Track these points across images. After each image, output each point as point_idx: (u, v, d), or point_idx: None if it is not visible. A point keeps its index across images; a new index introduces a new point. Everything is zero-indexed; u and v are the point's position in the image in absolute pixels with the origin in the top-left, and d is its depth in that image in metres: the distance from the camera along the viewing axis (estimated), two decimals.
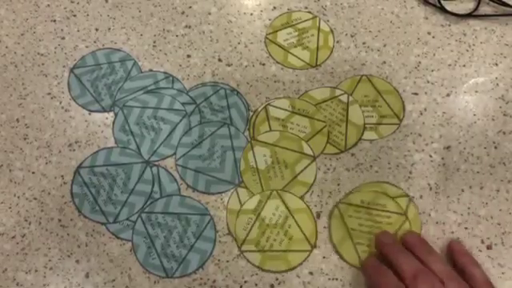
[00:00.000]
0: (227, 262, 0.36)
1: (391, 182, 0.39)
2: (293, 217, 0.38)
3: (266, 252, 0.36)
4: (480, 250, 0.37)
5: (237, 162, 0.40)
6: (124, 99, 0.43)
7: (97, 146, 0.41)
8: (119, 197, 0.39)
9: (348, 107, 0.42)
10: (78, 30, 0.46)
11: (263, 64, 0.45)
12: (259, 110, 0.42)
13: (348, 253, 0.36)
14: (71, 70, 0.44)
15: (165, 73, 0.44)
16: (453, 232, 0.37)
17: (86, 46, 0.46)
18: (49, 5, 0.48)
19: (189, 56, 0.45)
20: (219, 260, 0.36)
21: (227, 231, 0.37)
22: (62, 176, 0.40)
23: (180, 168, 0.40)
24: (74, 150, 0.41)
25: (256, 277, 0.36)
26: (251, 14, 0.47)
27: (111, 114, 0.42)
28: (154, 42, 0.46)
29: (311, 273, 0.36)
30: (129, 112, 0.42)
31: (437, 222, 0.38)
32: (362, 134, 0.41)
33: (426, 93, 0.43)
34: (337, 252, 0.36)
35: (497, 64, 0.44)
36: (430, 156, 0.40)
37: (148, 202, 0.38)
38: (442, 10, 0.47)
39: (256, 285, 0.36)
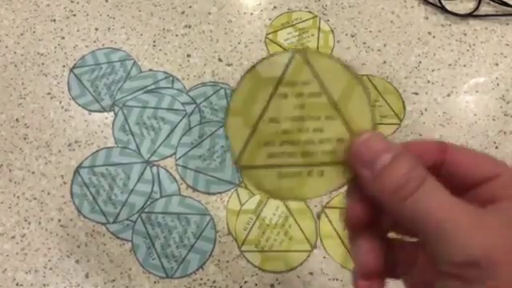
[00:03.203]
0: (227, 262, 0.36)
1: None
2: (293, 217, 0.38)
3: (266, 252, 0.36)
4: None
5: None
6: (124, 99, 0.43)
7: (97, 146, 0.41)
8: (119, 197, 0.38)
9: None
10: (78, 30, 0.46)
11: None
12: None
13: (333, 250, 0.36)
14: (71, 70, 0.44)
15: (165, 72, 0.44)
16: None
17: (86, 46, 0.45)
18: (48, 4, 0.48)
19: (189, 56, 0.45)
20: (219, 260, 0.36)
21: (227, 231, 0.37)
22: (62, 176, 0.40)
23: (180, 168, 0.40)
24: (74, 150, 0.41)
25: (256, 277, 0.36)
26: (251, 14, 0.47)
27: (111, 113, 0.42)
28: (154, 42, 0.46)
29: (311, 273, 0.36)
30: (129, 112, 0.42)
31: None
32: None
33: (426, 93, 0.43)
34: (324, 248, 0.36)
35: (497, 64, 0.44)
36: None
37: (148, 202, 0.38)
38: (443, 9, 0.47)
39: (256, 285, 0.35)
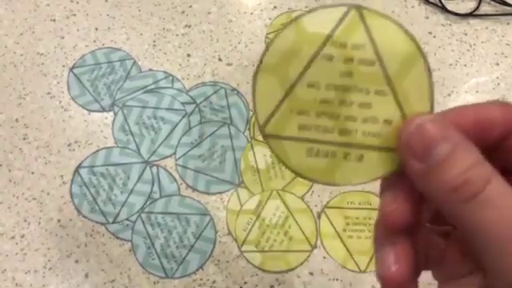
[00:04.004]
0: (227, 262, 0.36)
1: None
2: (293, 217, 0.37)
3: (266, 252, 0.36)
4: None
5: (237, 161, 0.40)
6: (124, 99, 0.43)
7: (96, 146, 0.41)
8: (119, 197, 0.38)
9: None
10: (78, 30, 0.46)
11: None
12: None
13: (334, 250, 0.36)
14: (71, 70, 0.44)
15: (165, 72, 0.44)
16: None
17: (86, 46, 0.45)
18: (48, 4, 0.48)
19: (189, 55, 0.45)
20: (219, 260, 0.36)
21: (227, 231, 0.37)
22: (62, 176, 0.39)
23: (180, 168, 0.40)
24: (74, 150, 0.41)
25: (256, 277, 0.36)
26: (251, 14, 0.47)
27: (111, 113, 0.42)
28: (154, 42, 0.46)
29: (311, 273, 0.36)
30: (128, 112, 0.42)
31: None
32: None
33: None
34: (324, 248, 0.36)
35: (498, 64, 0.44)
36: None
37: (148, 202, 0.38)
38: (443, 9, 0.47)
39: (256, 285, 0.35)
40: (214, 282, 0.36)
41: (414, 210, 0.16)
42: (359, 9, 0.16)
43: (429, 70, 0.16)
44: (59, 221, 0.38)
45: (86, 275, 0.36)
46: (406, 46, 0.16)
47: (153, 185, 0.39)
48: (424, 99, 0.16)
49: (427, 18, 0.47)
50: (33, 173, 0.40)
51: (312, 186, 0.39)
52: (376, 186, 0.18)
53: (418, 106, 0.16)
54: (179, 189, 0.39)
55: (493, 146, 0.16)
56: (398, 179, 0.16)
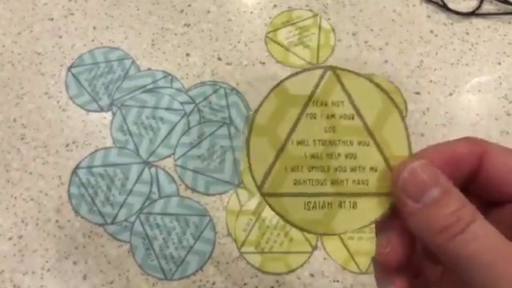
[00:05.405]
0: (227, 263, 0.36)
1: None
2: None
3: (266, 253, 0.36)
4: None
5: (236, 162, 0.39)
6: (122, 99, 0.42)
7: (94, 147, 0.40)
8: (117, 198, 0.38)
9: None
10: (76, 29, 0.46)
11: (263, 63, 0.44)
12: None
13: (334, 251, 0.36)
14: (69, 69, 0.44)
15: (163, 72, 0.44)
16: None
17: (84, 45, 0.45)
18: (46, 3, 0.47)
19: (188, 55, 0.45)
20: (218, 262, 0.36)
21: (227, 232, 0.37)
22: (60, 176, 0.39)
23: (179, 168, 0.39)
24: (72, 151, 0.40)
25: (256, 279, 0.35)
26: (251, 13, 0.47)
27: (109, 113, 0.42)
28: (153, 41, 0.45)
29: (312, 275, 0.36)
30: (127, 112, 0.42)
31: None
32: None
33: (428, 92, 0.42)
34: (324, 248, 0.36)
35: (500, 63, 0.44)
36: None
37: (146, 203, 0.38)
38: (445, 8, 0.46)
39: (256, 287, 0.35)
40: (213, 283, 0.35)
41: (407, 249, 0.17)
42: (334, 69, 0.18)
43: (403, 117, 0.18)
44: (57, 222, 0.38)
45: (84, 277, 0.36)
46: (379, 98, 0.18)
47: (152, 185, 0.39)
48: (403, 144, 0.18)
49: (429, 17, 0.46)
50: (31, 173, 0.39)
51: None
52: None
53: (398, 151, 0.18)
54: (178, 189, 0.38)
55: (467, 180, 0.18)
56: (391, 221, 0.18)
